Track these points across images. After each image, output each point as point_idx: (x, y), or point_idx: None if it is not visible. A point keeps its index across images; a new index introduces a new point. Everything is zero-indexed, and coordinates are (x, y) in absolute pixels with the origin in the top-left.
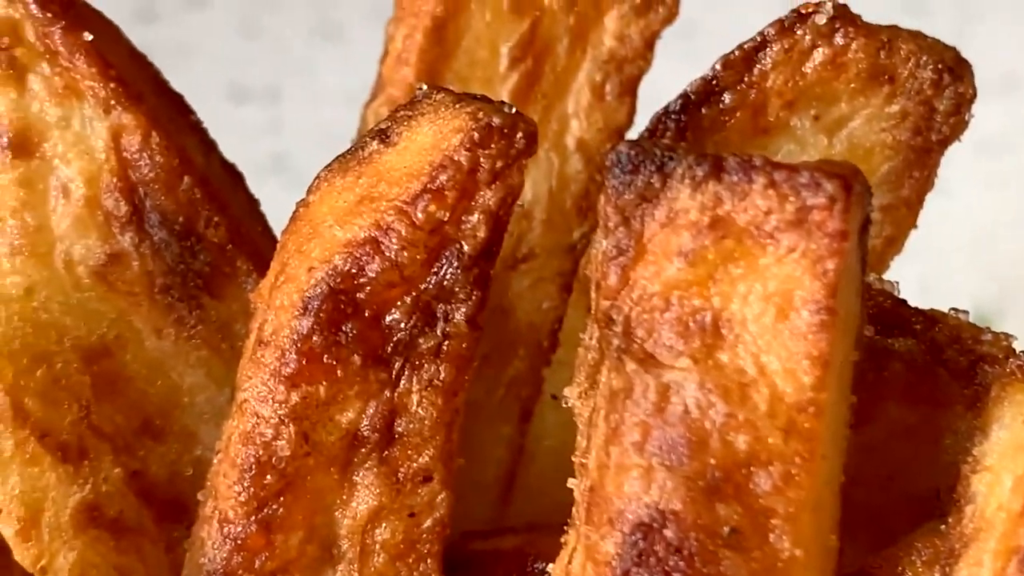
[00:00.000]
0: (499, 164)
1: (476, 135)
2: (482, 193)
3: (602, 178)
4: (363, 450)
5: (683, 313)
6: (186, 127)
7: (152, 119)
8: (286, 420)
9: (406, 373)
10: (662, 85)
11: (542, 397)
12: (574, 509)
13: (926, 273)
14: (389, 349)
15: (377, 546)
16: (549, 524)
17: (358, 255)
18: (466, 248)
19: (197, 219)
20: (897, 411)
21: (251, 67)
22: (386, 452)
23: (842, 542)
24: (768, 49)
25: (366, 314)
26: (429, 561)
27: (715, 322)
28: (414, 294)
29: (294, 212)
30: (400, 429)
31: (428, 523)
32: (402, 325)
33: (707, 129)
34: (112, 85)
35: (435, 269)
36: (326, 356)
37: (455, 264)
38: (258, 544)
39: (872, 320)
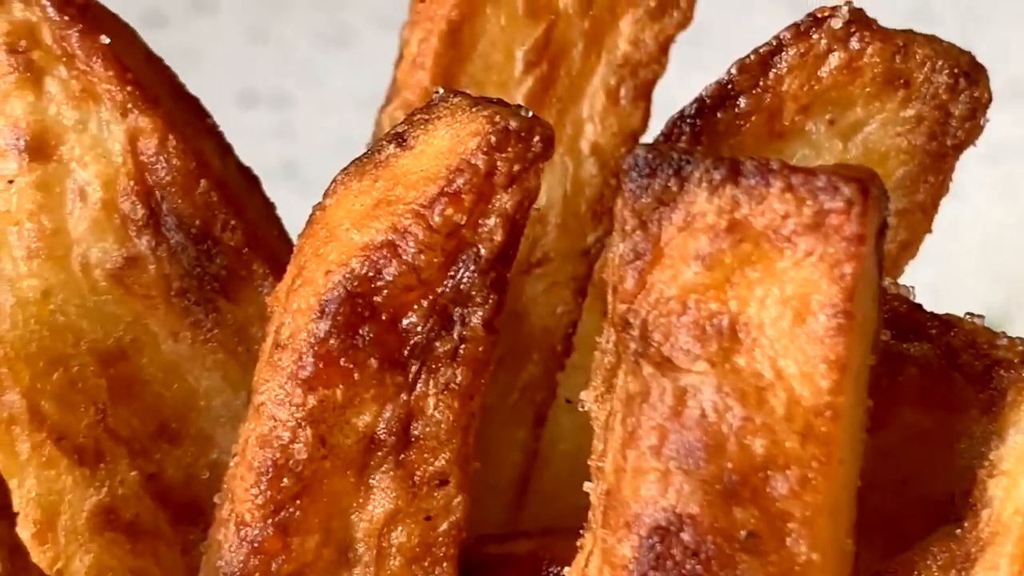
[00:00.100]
0: (516, 168)
1: (493, 139)
2: (499, 197)
3: (617, 182)
4: (379, 453)
5: (700, 317)
6: (202, 131)
7: (169, 122)
8: (303, 423)
9: (422, 376)
10: (668, 89)
11: (556, 401)
12: (590, 513)
13: (935, 278)
14: (406, 352)
15: (393, 549)
16: (563, 528)
17: (375, 258)
18: (483, 252)
19: (214, 222)
20: (912, 415)
21: (260, 72)
22: (402, 455)
23: (857, 546)
24: (784, 53)
25: (383, 317)
26: (445, 564)
27: (732, 326)
28: (431, 297)
29: (311, 215)
30: (416, 432)
31: (444, 526)
32: (419, 328)
33: (722, 133)
34: (129, 88)
35: (452, 272)
36: (343, 359)
37: (472, 268)
38: (275, 547)
39: (887, 324)
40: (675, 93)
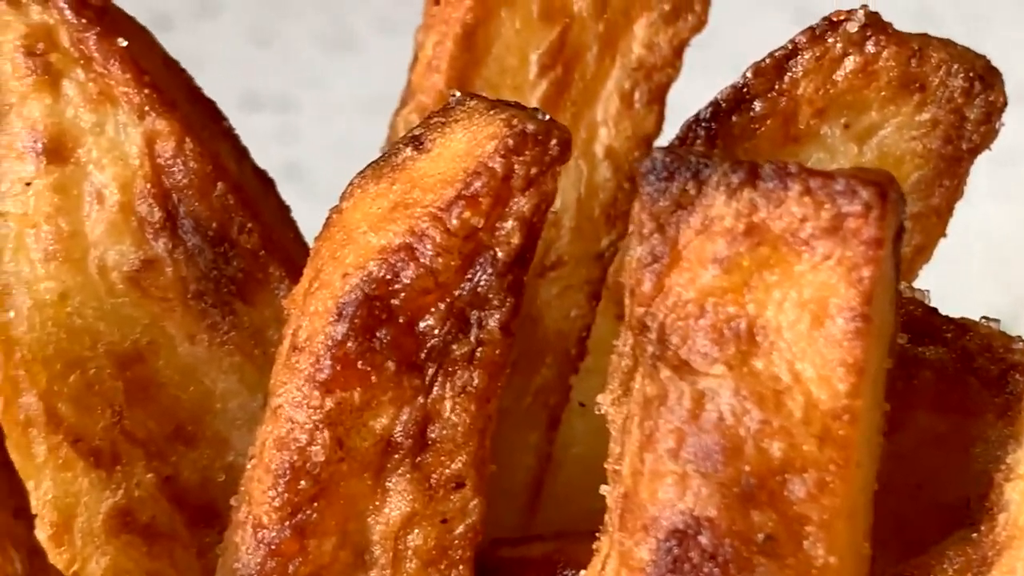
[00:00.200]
0: (533, 171)
1: (510, 142)
2: (516, 200)
3: (631, 186)
4: (396, 456)
5: (718, 320)
6: (219, 133)
7: (186, 125)
8: (320, 425)
9: (439, 379)
10: (673, 92)
11: (570, 405)
12: (606, 516)
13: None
14: (423, 355)
15: (409, 552)
16: (577, 532)
17: (393, 261)
18: (500, 255)
19: (230, 225)
20: (927, 419)
21: (264, 75)
22: (419, 458)
23: (872, 550)
24: (799, 57)
25: (400, 320)
26: (461, 567)
27: (750, 329)
28: (448, 300)
29: (327, 218)
30: (433, 435)
31: (460, 529)
32: (436, 331)
33: (737, 137)
34: (146, 91)
35: (469, 275)
36: (360, 362)
37: (489, 271)
38: (292, 549)
39: (903, 328)
40: (679, 96)
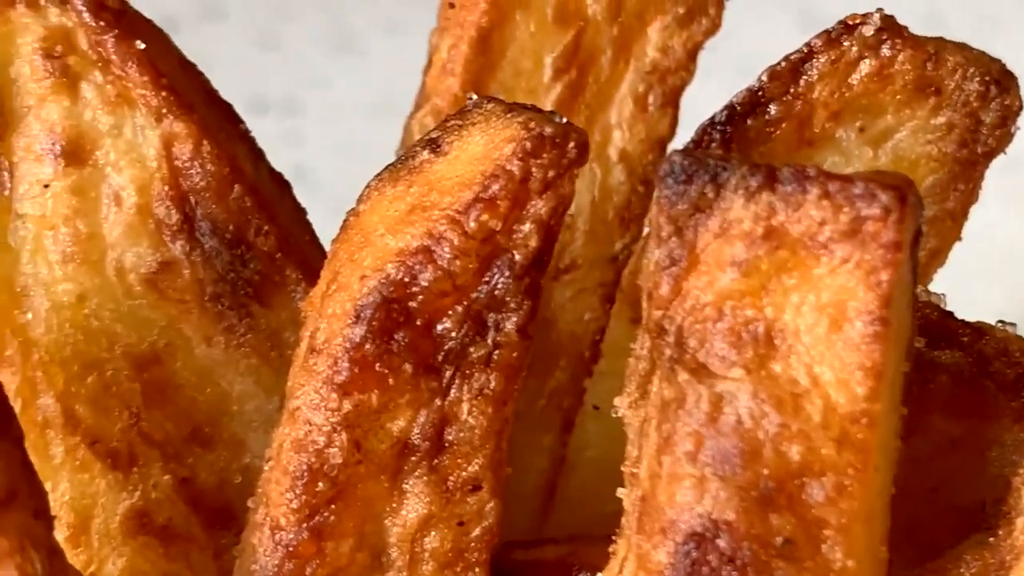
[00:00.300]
0: (551, 174)
1: (528, 145)
2: (534, 203)
3: (644, 189)
4: (413, 458)
5: (736, 323)
6: (236, 136)
7: (203, 128)
8: (338, 428)
9: (456, 382)
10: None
11: (583, 407)
12: (623, 518)
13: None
14: (440, 358)
15: (426, 554)
16: (591, 535)
17: (411, 264)
18: (517, 257)
19: (247, 228)
20: (943, 423)
21: (269, 78)
22: (436, 460)
23: (888, 554)
24: (814, 60)
25: (418, 323)
26: (477, 570)
27: (768, 332)
28: (465, 303)
29: (345, 221)
30: (450, 438)
31: (477, 532)
32: (453, 334)
33: (752, 140)
34: (164, 94)
35: (486, 278)
36: (378, 364)
37: (506, 273)
38: (309, 551)
39: (919, 332)
40: (685, 99)
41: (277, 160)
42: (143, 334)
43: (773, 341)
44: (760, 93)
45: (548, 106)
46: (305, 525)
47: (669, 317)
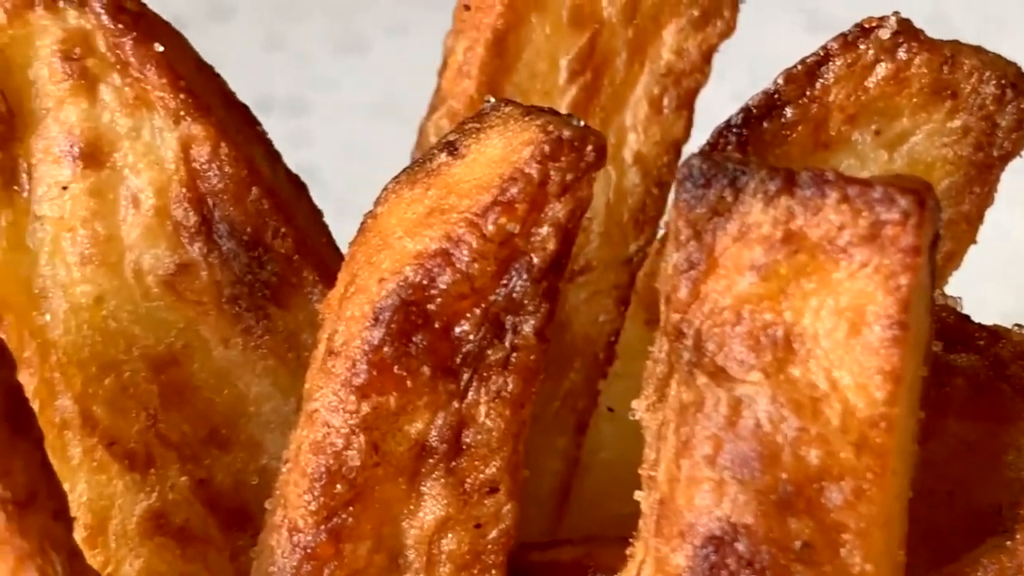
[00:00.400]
0: (569, 177)
1: (546, 148)
2: (552, 206)
3: (659, 191)
4: (431, 460)
5: (755, 327)
6: (253, 138)
7: (221, 130)
8: (356, 430)
9: (474, 384)
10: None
11: (598, 409)
12: (641, 521)
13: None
14: (458, 360)
15: (443, 556)
16: (607, 537)
17: (429, 266)
18: (536, 260)
19: (265, 230)
20: (959, 427)
21: (276, 79)
22: (453, 463)
23: (905, 557)
24: (831, 63)
25: (436, 325)
26: (494, 571)
27: (787, 336)
28: (483, 306)
29: (362, 224)
30: (468, 440)
31: (494, 534)
32: (471, 337)
33: (768, 143)
34: (182, 96)
35: (504, 281)
36: (396, 367)
37: (524, 276)
38: (327, 553)
39: (935, 336)
40: (697, 101)
41: (285, 160)
42: (161, 336)
43: (792, 345)
44: (776, 96)
45: (563, 108)
46: (323, 527)
47: (687, 320)
